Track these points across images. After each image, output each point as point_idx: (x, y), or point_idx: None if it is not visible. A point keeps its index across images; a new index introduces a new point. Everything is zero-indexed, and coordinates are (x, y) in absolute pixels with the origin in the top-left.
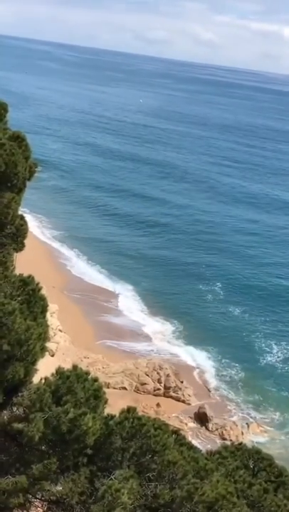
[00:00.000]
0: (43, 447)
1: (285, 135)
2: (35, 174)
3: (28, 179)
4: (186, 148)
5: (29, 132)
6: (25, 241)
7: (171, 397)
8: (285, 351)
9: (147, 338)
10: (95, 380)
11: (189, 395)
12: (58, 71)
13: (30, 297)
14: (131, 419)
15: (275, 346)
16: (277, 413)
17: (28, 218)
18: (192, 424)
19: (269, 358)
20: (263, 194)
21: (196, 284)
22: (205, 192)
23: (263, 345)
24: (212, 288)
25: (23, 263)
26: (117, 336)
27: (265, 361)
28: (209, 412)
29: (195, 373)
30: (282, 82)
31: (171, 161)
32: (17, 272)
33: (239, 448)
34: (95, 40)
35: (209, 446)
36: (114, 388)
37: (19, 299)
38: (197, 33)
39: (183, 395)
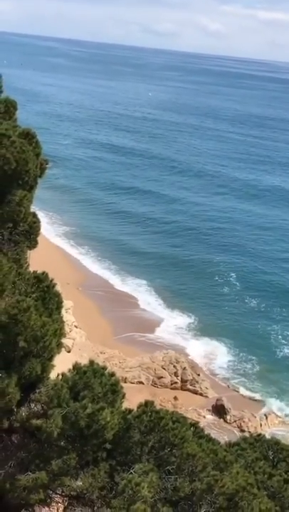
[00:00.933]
0: (62, 443)
1: None
2: (46, 171)
3: (40, 176)
4: (197, 141)
5: (38, 129)
6: (38, 238)
7: (188, 390)
8: None
9: (164, 331)
10: (112, 374)
11: (206, 388)
12: (65, 67)
13: (44, 294)
14: (149, 413)
15: None
16: None
17: (40, 215)
18: (210, 417)
19: (286, 350)
20: (275, 187)
21: (211, 278)
22: (217, 187)
23: (280, 337)
24: (227, 280)
25: (36, 260)
26: (132, 330)
27: (282, 353)
28: (227, 404)
29: (212, 366)
30: None
31: (182, 155)
32: (31, 269)
33: (258, 439)
34: (102, 35)
35: (228, 438)
36: (132, 383)
37: (34, 295)
38: (204, 24)
39: (200, 387)
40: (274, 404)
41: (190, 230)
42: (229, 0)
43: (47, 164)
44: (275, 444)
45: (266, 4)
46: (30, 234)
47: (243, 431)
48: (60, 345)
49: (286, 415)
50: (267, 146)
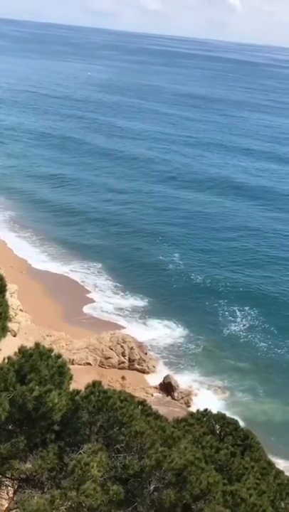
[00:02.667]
0: (10, 426)
1: (233, 104)
2: None
3: None
4: (135, 123)
5: None
6: None
7: (136, 369)
8: (249, 318)
9: (110, 312)
10: (59, 356)
11: (154, 366)
12: (3, 47)
13: None
14: (97, 393)
15: (238, 313)
16: (238, 379)
17: None
18: (158, 394)
19: (233, 328)
20: (209, 167)
21: (156, 257)
22: (155, 172)
23: (227, 313)
24: (171, 259)
25: None
26: (79, 312)
27: (228, 331)
28: (174, 382)
29: (159, 344)
30: (229, 49)
31: (118, 139)
32: None
33: (205, 414)
34: (39, 14)
35: (176, 414)
36: (79, 364)
37: None
38: (143, 3)
39: (147, 366)
40: (218, 379)
41: (134, 212)
42: None
43: None
44: (221, 418)
45: None
46: None
47: (190, 406)
48: (5, 329)
49: (229, 389)
50: (207, 128)
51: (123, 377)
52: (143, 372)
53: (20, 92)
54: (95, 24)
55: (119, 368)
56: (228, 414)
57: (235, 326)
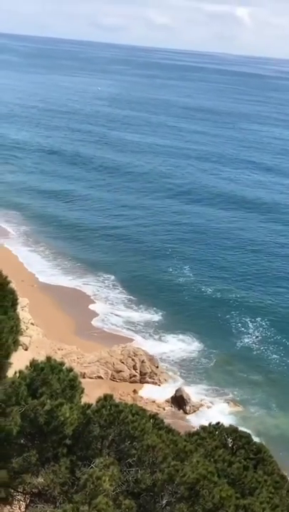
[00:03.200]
0: (22, 440)
1: (242, 117)
2: None
3: None
4: (147, 137)
5: None
6: None
7: (147, 382)
8: (261, 329)
9: (121, 325)
10: (70, 370)
11: (165, 380)
12: (11, 62)
13: None
14: (108, 407)
15: (250, 324)
16: (251, 393)
17: None
18: (170, 408)
19: (246, 340)
20: (221, 183)
21: (166, 270)
22: (166, 187)
23: (239, 324)
24: (181, 271)
25: None
26: (90, 326)
27: (241, 343)
28: (186, 395)
29: (171, 357)
30: (237, 62)
31: (130, 153)
32: None
33: (217, 428)
34: (50, 30)
35: (187, 428)
36: (90, 378)
37: None
38: (151, 18)
39: (159, 380)
40: (231, 392)
41: (144, 227)
42: None
43: None
44: (233, 431)
45: None
46: None
47: (202, 420)
48: (16, 343)
49: (242, 403)
50: (216, 142)
51: (134, 391)
52: (154, 385)
53: (30, 107)
54: (104, 39)
55: (131, 382)
56: (240, 427)
57: (247, 338)
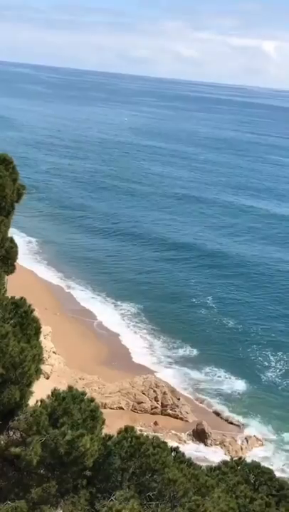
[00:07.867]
0: (42, 471)
1: (271, 150)
2: (23, 197)
3: (17, 201)
4: (173, 168)
5: (14, 155)
6: (16, 263)
7: (168, 414)
8: (283, 362)
9: (143, 356)
10: (91, 400)
11: (187, 412)
12: (42, 93)
13: (22, 319)
14: (129, 439)
15: (272, 358)
16: (275, 428)
17: (17, 240)
18: (191, 441)
19: (269, 374)
20: (253, 209)
21: (189, 300)
22: (194, 212)
23: (260, 358)
24: (204, 302)
25: (14, 285)
26: (112, 356)
27: (264, 376)
28: (207, 429)
29: (192, 390)
30: (266, 95)
31: (158, 180)
32: (8, 294)
33: (239, 463)
34: (78, 62)
35: (209, 462)
36: (111, 408)
37: (12, 321)
38: (178, 51)
39: (180, 412)
40: (254, 427)
41: (164, 256)
42: (202, 27)
43: (24, 190)
44: (255, 467)
45: (239, 31)
46: (8, 259)
47: (224, 455)
48: (38, 372)
49: (266, 439)
50: (243, 172)
51: (156, 423)
52: (176, 417)
53: (56, 138)
54: (132, 71)
55: (152, 413)
56: (262, 463)
57: (270, 371)
